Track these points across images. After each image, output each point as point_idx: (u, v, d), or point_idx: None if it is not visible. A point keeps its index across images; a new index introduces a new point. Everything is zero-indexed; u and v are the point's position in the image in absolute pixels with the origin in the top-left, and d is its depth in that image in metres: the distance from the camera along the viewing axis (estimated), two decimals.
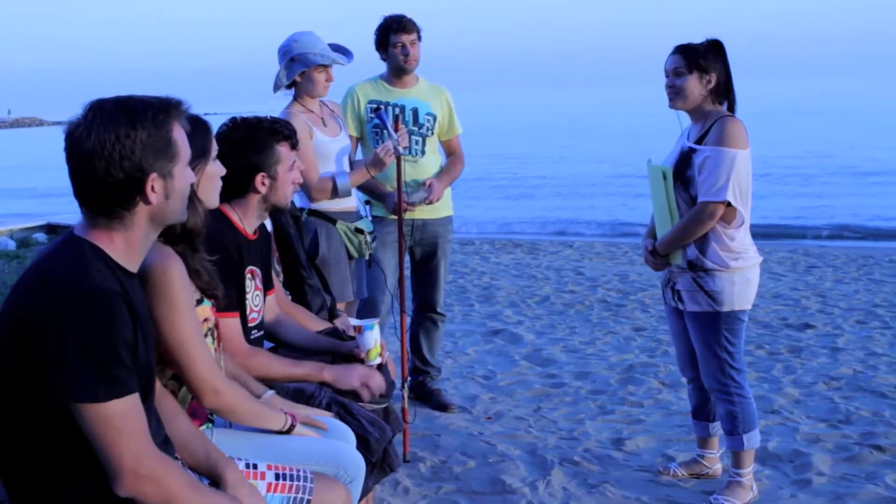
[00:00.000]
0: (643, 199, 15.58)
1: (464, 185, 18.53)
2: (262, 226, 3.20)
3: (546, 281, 9.14)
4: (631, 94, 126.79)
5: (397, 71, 4.83)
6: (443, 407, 5.04)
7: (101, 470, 1.92)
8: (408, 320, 4.79)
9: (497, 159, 29.74)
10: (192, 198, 2.38)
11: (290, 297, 3.60)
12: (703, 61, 3.65)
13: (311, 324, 3.47)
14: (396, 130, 4.46)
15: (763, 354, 6.12)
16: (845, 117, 46.63)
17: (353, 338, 3.36)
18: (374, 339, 3.27)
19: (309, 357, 3.19)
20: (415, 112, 4.82)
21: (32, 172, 32.51)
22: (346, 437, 2.85)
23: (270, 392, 2.83)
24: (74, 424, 1.91)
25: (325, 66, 4.33)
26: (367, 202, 4.87)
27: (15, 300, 1.97)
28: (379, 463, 2.98)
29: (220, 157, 2.67)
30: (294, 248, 3.72)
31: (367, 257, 4.56)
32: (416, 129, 4.79)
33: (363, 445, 2.87)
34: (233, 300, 2.87)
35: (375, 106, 4.77)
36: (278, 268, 3.60)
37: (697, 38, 3.73)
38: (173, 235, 2.37)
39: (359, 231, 4.48)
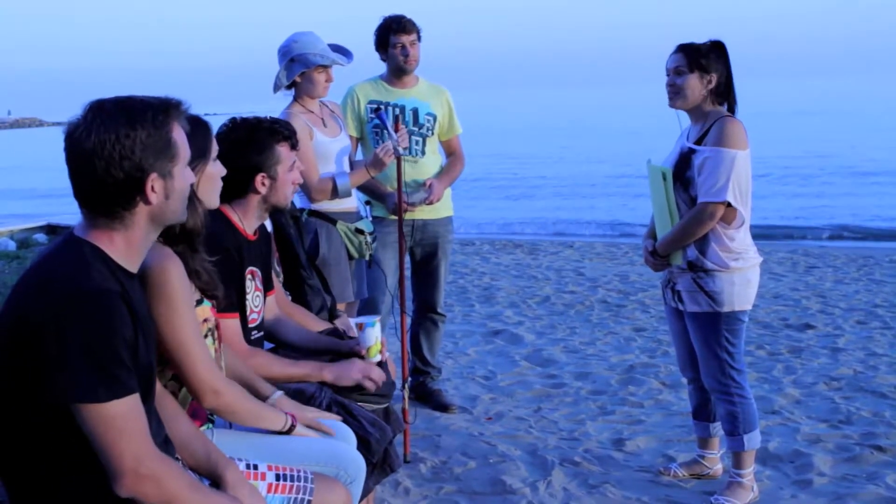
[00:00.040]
0: (643, 199, 15.57)
1: (464, 185, 18.54)
2: (262, 226, 3.20)
3: (546, 281, 9.14)
4: (631, 94, 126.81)
5: (397, 71, 4.83)
6: (443, 407, 5.04)
7: (102, 470, 1.92)
8: (408, 321, 4.79)
9: (497, 159, 29.75)
10: (192, 198, 2.38)
11: (290, 298, 3.60)
12: (704, 61, 3.65)
13: (312, 324, 3.47)
14: (397, 131, 4.46)
15: (763, 355, 6.12)
16: (845, 117, 46.64)
17: (353, 338, 3.36)
18: (375, 337, 3.27)
19: (309, 357, 3.18)
20: (415, 112, 4.82)
21: (32, 173, 32.52)
22: (346, 438, 2.84)
23: (279, 393, 2.83)
24: (74, 424, 1.91)
25: (325, 67, 4.33)
26: (367, 202, 4.87)
27: (15, 300, 1.97)
28: (379, 463, 2.98)
29: (219, 157, 2.67)
30: (294, 249, 3.72)
31: (367, 258, 4.56)
32: (416, 129, 4.79)
33: (364, 446, 2.87)
34: (233, 301, 2.87)
35: (375, 106, 4.77)
36: (278, 268, 3.60)
37: (697, 38, 3.73)
38: (173, 236, 2.37)
39: (359, 231, 4.48)
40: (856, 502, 3.80)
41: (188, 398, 2.48)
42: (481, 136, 33.39)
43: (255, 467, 2.43)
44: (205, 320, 2.55)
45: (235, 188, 2.99)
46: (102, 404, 1.88)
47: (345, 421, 2.91)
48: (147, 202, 2.00)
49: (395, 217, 4.65)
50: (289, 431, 2.68)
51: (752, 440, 3.76)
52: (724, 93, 3.71)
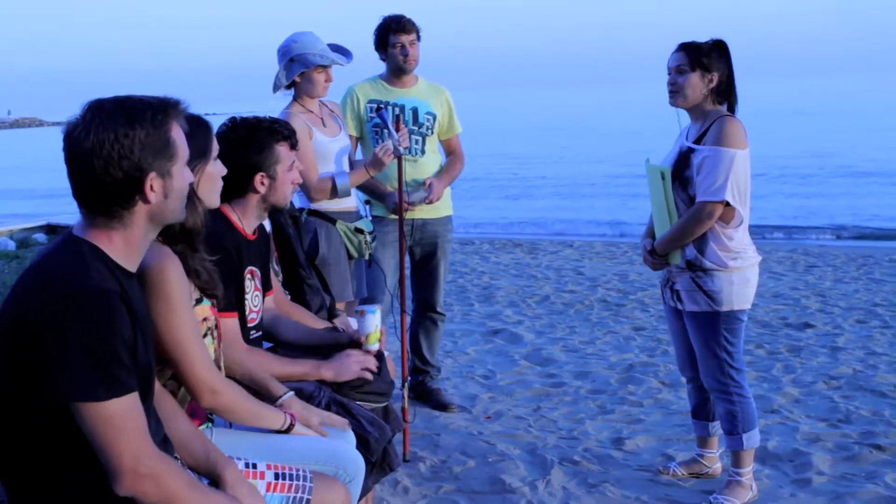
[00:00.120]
0: (643, 198, 15.59)
1: (464, 184, 18.55)
2: (261, 226, 3.20)
3: (546, 280, 9.14)
4: (631, 94, 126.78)
5: (397, 71, 4.83)
6: (442, 406, 5.04)
7: (101, 470, 1.92)
8: (408, 320, 4.79)
9: (497, 159, 29.75)
10: (192, 197, 2.38)
11: (289, 297, 3.60)
12: (706, 60, 3.65)
13: (311, 323, 3.47)
14: (398, 130, 4.46)
15: (763, 354, 6.12)
16: (845, 117, 46.62)
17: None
18: (375, 325, 3.27)
19: (308, 355, 3.19)
20: (414, 111, 4.82)
21: (32, 173, 32.51)
22: (345, 437, 2.85)
23: (290, 393, 2.84)
24: (74, 424, 1.91)
25: (325, 67, 4.33)
26: (366, 202, 4.87)
27: (14, 300, 1.98)
28: (378, 462, 2.99)
29: (219, 156, 2.67)
30: (293, 248, 3.72)
31: (366, 257, 4.56)
32: (415, 128, 4.79)
33: (363, 445, 2.87)
34: (231, 301, 2.87)
35: (377, 105, 4.77)
36: (277, 268, 3.60)
37: (698, 38, 3.73)
38: (173, 235, 2.37)
39: (358, 231, 4.48)
40: (855, 501, 3.80)
41: (187, 397, 2.49)
42: (481, 136, 33.40)
43: (254, 466, 2.43)
44: (204, 319, 2.55)
45: (235, 188, 2.99)
46: (102, 403, 1.88)
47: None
48: (146, 201, 2.00)
49: (395, 216, 4.65)
50: (288, 430, 2.68)
51: (751, 439, 3.76)
52: (726, 92, 3.71)
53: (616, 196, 20.82)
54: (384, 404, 3.24)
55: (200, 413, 2.60)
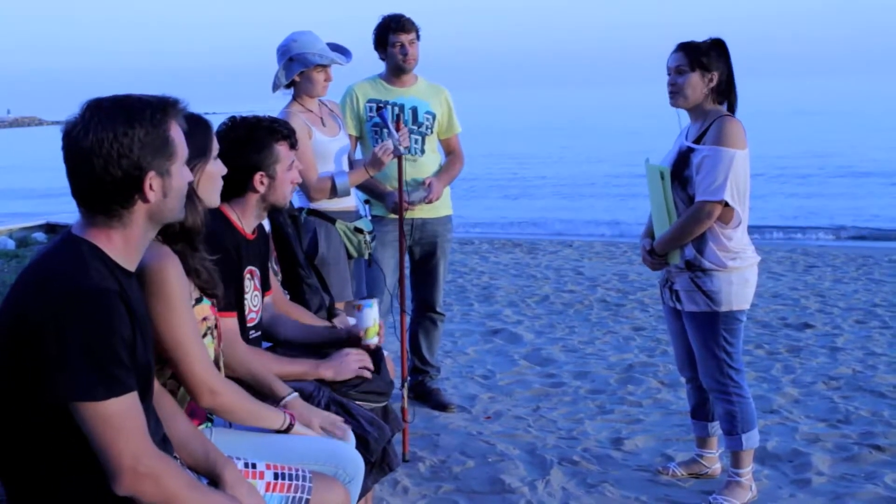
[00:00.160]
0: (642, 198, 15.60)
1: (463, 184, 18.55)
2: (260, 226, 3.19)
3: (545, 280, 9.14)
4: (631, 94, 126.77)
5: (396, 70, 4.83)
6: (442, 406, 5.04)
7: (101, 470, 1.92)
8: (407, 320, 4.79)
9: (497, 159, 29.76)
10: (193, 196, 2.38)
11: (288, 297, 3.60)
12: (705, 59, 3.65)
13: (310, 322, 3.47)
14: (398, 130, 4.46)
15: (762, 354, 6.12)
16: (845, 117, 46.62)
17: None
18: (374, 318, 3.27)
19: (307, 354, 3.19)
20: (414, 111, 4.82)
21: (32, 172, 32.51)
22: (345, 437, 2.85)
23: (294, 394, 2.84)
24: (74, 424, 1.91)
25: (324, 66, 4.33)
26: (366, 201, 4.87)
27: (14, 299, 1.97)
28: (378, 462, 2.98)
29: (219, 156, 2.67)
30: (292, 248, 3.72)
31: (366, 257, 4.56)
32: (415, 127, 4.79)
33: (362, 445, 2.87)
34: (231, 300, 2.87)
35: (376, 105, 4.77)
36: (276, 267, 3.60)
37: (698, 38, 3.73)
38: (173, 234, 2.37)
39: (358, 230, 4.48)
40: (854, 502, 3.80)
41: (186, 397, 2.48)
42: (481, 136, 33.40)
43: (254, 466, 2.43)
44: (204, 319, 2.55)
45: (234, 187, 2.99)
46: (101, 403, 1.88)
47: (344, 421, 2.91)
48: (145, 200, 2.00)
49: (395, 216, 4.65)
50: (287, 430, 2.68)
51: (751, 439, 3.76)
52: (726, 91, 3.71)
53: (616, 196, 20.82)
54: (384, 404, 3.24)
55: (200, 413, 2.60)
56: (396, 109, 4.75)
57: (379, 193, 4.74)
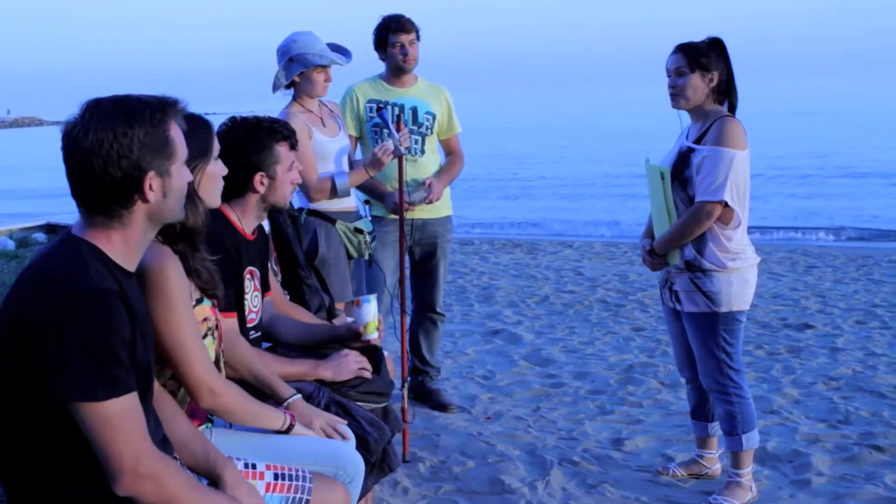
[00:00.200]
0: (642, 199, 15.59)
1: (463, 184, 18.54)
2: (260, 226, 3.19)
3: (545, 281, 9.14)
4: (631, 94, 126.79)
5: (396, 70, 4.83)
6: (442, 407, 5.04)
7: (101, 470, 1.92)
8: (407, 320, 4.79)
9: (497, 159, 29.75)
10: (193, 197, 2.38)
11: (288, 298, 3.60)
12: (704, 60, 3.65)
13: (309, 322, 3.47)
14: (398, 130, 4.46)
15: (762, 354, 6.12)
16: (845, 117, 46.62)
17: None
18: (373, 313, 3.27)
19: (306, 355, 3.19)
20: (414, 111, 4.82)
21: (32, 172, 32.51)
22: None
23: (297, 396, 2.84)
24: (74, 424, 1.91)
25: (324, 67, 4.33)
26: (366, 202, 4.87)
27: (13, 300, 1.97)
28: (378, 463, 2.98)
29: (219, 156, 2.67)
30: (292, 248, 3.72)
31: (366, 257, 4.56)
32: (415, 128, 4.79)
33: (362, 445, 2.87)
34: (231, 301, 2.87)
35: (376, 105, 4.77)
36: (276, 268, 3.60)
37: (697, 38, 3.73)
38: (174, 234, 2.36)
39: (358, 231, 4.48)
40: (854, 502, 3.80)
41: (187, 398, 2.48)
42: (481, 136, 33.39)
43: (254, 467, 2.43)
44: (204, 319, 2.55)
45: (234, 187, 2.99)
46: (101, 403, 1.88)
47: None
48: (145, 201, 2.00)
49: (394, 216, 4.65)
50: (287, 431, 2.68)
51: (751, 440, 3.76)
52: (726, 90, 3.71)
53: (616, 196, 20.82)
54: (384, 405, 3.23)
55: (200, 413, 2.60)
56: (396, 110, 4.75)
57: (379, 194, 4.73)
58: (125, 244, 2.02)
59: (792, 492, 3.91)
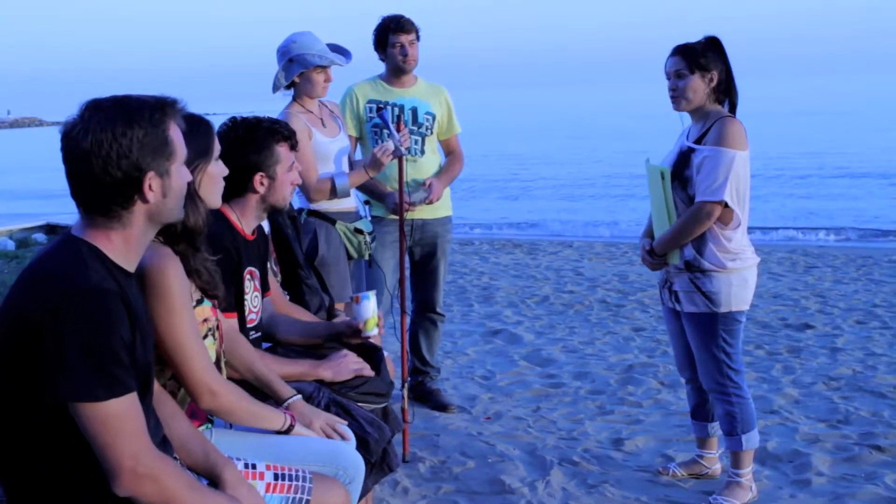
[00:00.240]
0: (642, 199, 15.58)
1: (463, 184, 18.54)
2: (260, 227, 3.19)
3: (545, 281, 9.14)
4: (631, 94, 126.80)
5: (396, 71, 4.83)
6: (442, 407, 5.04)
7: (101, 470, 1.92)
8: (407, 320, 4.79)
9: (497, 159, 29.76)
10: (194, 197, 2.38)
11: (287, 298, 3.60)
12: (703, 60, 3.65)
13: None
14: (399, 131, 4.46)
15: (762, 355, 6.12)
16: (845, 117, 46.62)
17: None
18: (372, 310, 3.27)
19: (306, 355, 3.19)
20: (414, 111, 4.82)
21: (32, 173, 32.52)
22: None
23: (297, 396, 2.84)
24: (74, 424, 1.91)
25: (324, 67, 4.33)
26: (366, 202, 4.87)
27: (13, 300, 1.97)
28: (378, 463, 2.98)
29: (219, 156, 2.67)
30: (291, 249, 3.72)
31: (366, 257, 4.56)
32: (415, 128, 4.79)
33: (362, 446, 2.87)
34: (231, 301, 2.87)
35: (376, 105, 4.77)
36: (276, 268, 3.60)
37: (696, 38, 3.73)
38: (174, 234, 2.36)
39: (358, 231, 4.48)
40: (854, 502, 3.80)
41: (187, 398, 2.48)
42: (481, 136, 33.41)
43: (254, 467, 2.43)
44: (205, 320, 2.55)
45: (234, 188, 2.98)
46: (100, 403, 1.88)
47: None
48: (145, 201, 2.00)
49: (394, 217, 4.65)
50: (287, 431, 2.68)
51: (751, 440, 3.76)
52: (726, 90, 3.71)
53: (616, 196, 20.82)
54: (384, 405, 3.23)
55: (200, 414, 2.60)
56: (396, 110, 4.75)
57: (379, 194, 4.74)
58: (125, 244, 2.02)
59: (792, 492, 3.91)
